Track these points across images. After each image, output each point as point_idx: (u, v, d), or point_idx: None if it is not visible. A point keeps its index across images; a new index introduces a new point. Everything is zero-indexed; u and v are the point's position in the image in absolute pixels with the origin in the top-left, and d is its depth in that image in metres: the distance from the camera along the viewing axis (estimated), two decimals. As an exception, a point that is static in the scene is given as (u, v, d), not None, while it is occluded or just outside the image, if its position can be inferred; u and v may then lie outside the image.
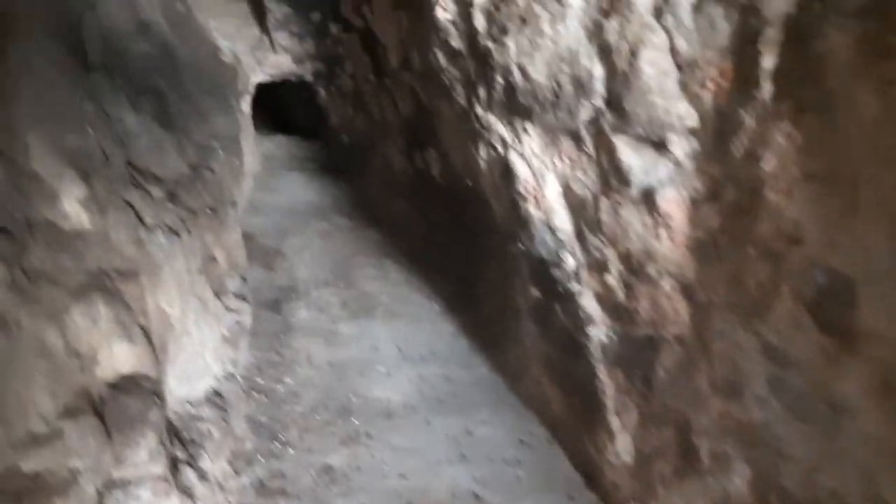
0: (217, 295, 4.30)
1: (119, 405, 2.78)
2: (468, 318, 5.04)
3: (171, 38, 5.94)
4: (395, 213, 7.34)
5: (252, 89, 8.66)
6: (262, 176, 8.84)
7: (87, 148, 3.32)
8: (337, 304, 5.24)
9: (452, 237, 5.67)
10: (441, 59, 3.47)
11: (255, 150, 9.02)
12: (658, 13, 2.31)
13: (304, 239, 6.69)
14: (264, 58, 8.55)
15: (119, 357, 2.93)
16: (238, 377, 3.95)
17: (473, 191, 4.19)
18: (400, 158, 7.54)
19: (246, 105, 8.42)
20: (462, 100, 3.50)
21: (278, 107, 11.99)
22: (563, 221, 3.01)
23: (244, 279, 5.13)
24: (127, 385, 2.91)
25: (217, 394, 3.68)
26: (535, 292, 3.58)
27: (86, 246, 3.04)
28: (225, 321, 4.21)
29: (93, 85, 3.73)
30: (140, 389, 2.96)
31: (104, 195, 3.30)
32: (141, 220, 3.57)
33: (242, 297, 4.65)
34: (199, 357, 3.71)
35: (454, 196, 5.25)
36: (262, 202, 7.77)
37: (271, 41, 8.33)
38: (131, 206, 3.55)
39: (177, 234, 3.81)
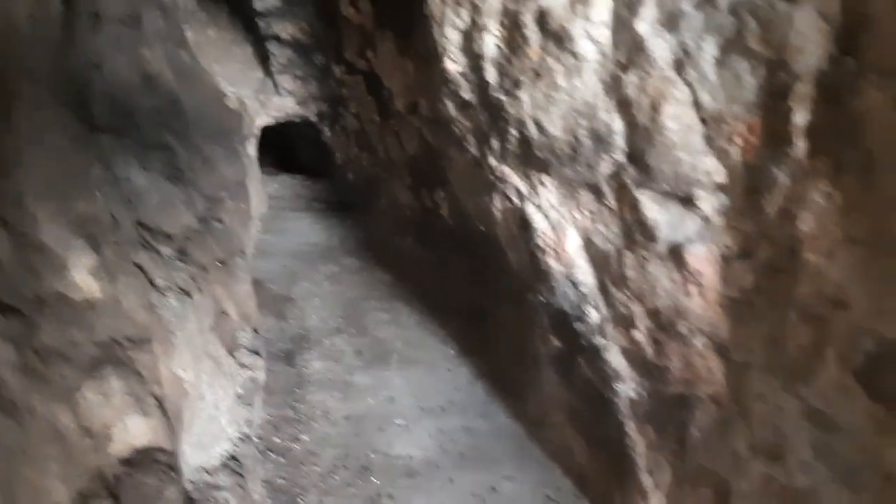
0: (230, 352, 4.22)
1: (135, 485, 2.68)
2: (484, 362, 4.94)
3: (177, 88, 5.94)
4: (404, 252, 7.27)
5: (257, 132, 8.65)
6: (269, 217, 8.79)
7: (95, 213, 3.26)
8: (351, 353, 5.14)
9: (464, 278, 5.59)
10: (451, 109, 3.42)
11: (261, 191, 9.00)
12: (679, 67, 2.25)
13: (314, 283, 6.61)
14: (268, 101, 8.57)
15: (133, 431, 2.83)
16: (253, 438, 3.85)
17: (486, 236, 4.12)
18: (407, 196, 7.50)
19: (252, 148, 8.41)
20: (474, 149, 3.44)
21: (283, 145, 12.01)
22: (585, 275, 2.93)
23: (256, 331, 5.05)
24: (142, 460, 2.81)
25: (233, 458, 3.58)
26: (555, 342, 3.49)
27: (96, 316, 2.96)
28: (239, 379, 4.11)
29: (101, 147, 3.69)
30: (155, 464, 2.86)
31: (114, 260, 3.23)
32: (152, 282, 3.50)
33: (255, 352, 4.57)
34: (214, 421, 3.61)
35: (465, 237, 5.18)
36: (269, 245, 7.72)
37: (275, 84, 8.34)
38: (141, 269, 3.48)
39: (188, 294, 3.74)
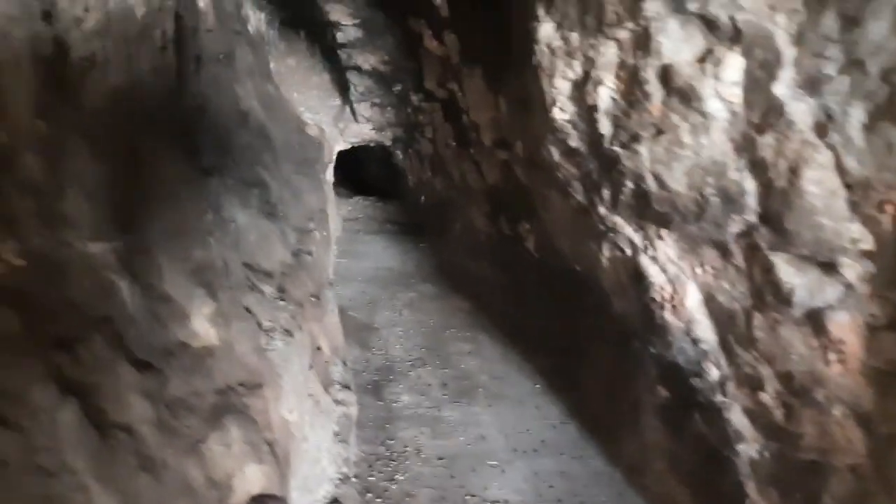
0: (326, 388, 4.28)
1: (255, 534, 2.73)
2: (575, 401, 4.87)
3: (266, 122, 6.11)
4: (480, 279, 7.25)
5: (334, 158, 8.82)
6: (344, 240, 8.94)
7: (210, 260, 3.37)
8: (437, 386, 5.15)
9: (549, 312, 5.54)
10: (556, 155, 3.39)
11: (337, 215, 9.16)
12: (821, 131, 2.16)
13: (394, 311, 6.67)
14: (346, 127, 8.73)
15: (250, 479, 2.89)
16: (352, 478, 3.89)
17: (583, 277, 4.06)
18: (483, 222, 7.49)
19: (330, 174, 8.57)
20: (580, 196, 3.40)
21: (353, 164, 12.19)
22: (705, 331, 2.85)
23: (345, 363, 5.12)
24: (258, 508, 2.87)
25: (335, 501, 3.62)
26: (664, 392, 3.41)
27: (214, 362, 3.04)
28: (334, 416, 4.16)
29: (210, 190, 3.81)
30: (271, 512, 2.92)
31: (228, 306, 3.32)
32: (260, 325, 3.58)
33: (347, 386, 4.62)
34: (317, 462, 3.66)
35: (553, 273, 5.13)
36: (346, 270, 7.82)
37: (353, 111, 8.49)
38: (250, 312, 3.57)
39: (290, 334, 3.81)
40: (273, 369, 3.42)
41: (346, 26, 7.15)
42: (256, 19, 7.23)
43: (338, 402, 4.32)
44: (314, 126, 8.21)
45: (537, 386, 5.20)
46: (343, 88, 8.48)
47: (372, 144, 9.40)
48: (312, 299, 4.69)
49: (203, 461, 2.64)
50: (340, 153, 9.37)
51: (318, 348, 4.47)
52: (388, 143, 9.23)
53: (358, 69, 7.67)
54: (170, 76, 3.69)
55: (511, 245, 6.35)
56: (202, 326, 3.04)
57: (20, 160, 2.13)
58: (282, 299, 4.07)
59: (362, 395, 4.92)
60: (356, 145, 9.35)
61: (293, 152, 6.66)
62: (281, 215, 5.10)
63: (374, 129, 8.65)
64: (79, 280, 2.32)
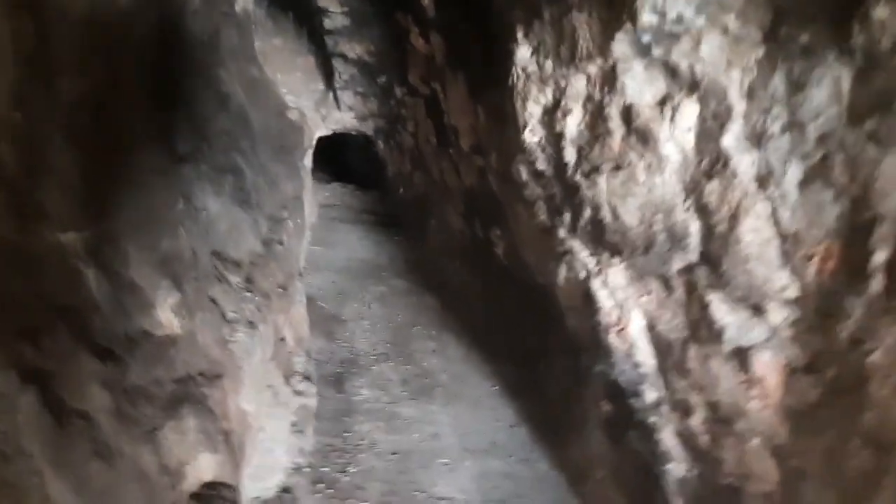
0: (286, 379, 4.39)
1: (202, 521, 2.85)
2: (528, 405, 5.03)
3: (246, 105, 6.12)
4: (452, 277, 7.39)
5: (314, 143, 8.85)
6: (319, 227, 8.98)
7: (178, 250, 3.45)
8: (397, 382, 5.28)
9: (513, 317, 5.69)
10: (524, 174, 3.52)
11: (313, 201, 9.20)
12: (762, 183, 2.31)
13: (363, 304, 6.77)
14: (328, 114, 8.76)
15: (203, 467, 3.00)
16: (305, 468, 4.01)
17: (545, 289, 4.20)
18: (459, 222, 7.61)
19: (308, 160, 8.60)
20: (543, 216, 3.54)
21: (331, 149, 12.21)
22: (645, 356, 3.01)
23: (309, 354, 5.23)
24: (209, 496, 2.98)
25: (286, 490, 3.74)
26: (607, 408, 3.57)
27: (176, 352, 3.14)
28: (293, 406, 4.28)
29: (182, 178, 3.87)
30: (220, 500, 3.03)
31: (193, 296, 3.41)
32: (224, 316, 3.68)
33: (308, 378, 4.73)
34: (271, 452, 3.78)
35: (518, 279, 5.26)
36: (319, 258, 7.89)
37: (336, 98, 8.53)
38: (215, 303, 3.66)
39: (254, 326, 3.91)
40: (234, 361, 3.52)
41: (335, 13, 7.20)
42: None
43: (298, 392, 4.44)
44: (296, 110, 8.22)
45: (495, 388, 5.35)
46: (328, 74, 8.51)
47: (354, 133, 9.44)
48: (280, 290, 4.78)
49: (157, 448, 2.74)
50: (321, 138, 9.39)
51: (282, 339, 4.57)
52: (369, 132, 9.28)
53: (343, 57, 7.72)
54: (152, 63, 3.73)
55: (483, 247, 6.46)
56: (166, 316, 3.12)
57: (-5, 153, 2.20)
58: (248, 290, 4.16)
59: (324, 386, 5.03)
60: (338, 133, 9.38)
61: (272, 138, 6.70)
62: (254, 203, 5.16)
63: (356, 117, 8.70)
64: (47, 270, 2.40)
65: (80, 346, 2.44)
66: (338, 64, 7.83)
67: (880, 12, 1.84)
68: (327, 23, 7.24)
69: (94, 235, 2.68)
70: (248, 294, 4.12)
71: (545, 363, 4.96)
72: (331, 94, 8.72)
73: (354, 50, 7.37)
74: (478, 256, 6.74)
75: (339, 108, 8.55)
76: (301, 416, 4.31)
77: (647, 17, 2.37)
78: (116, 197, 3.04)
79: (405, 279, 7.67)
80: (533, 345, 5.25)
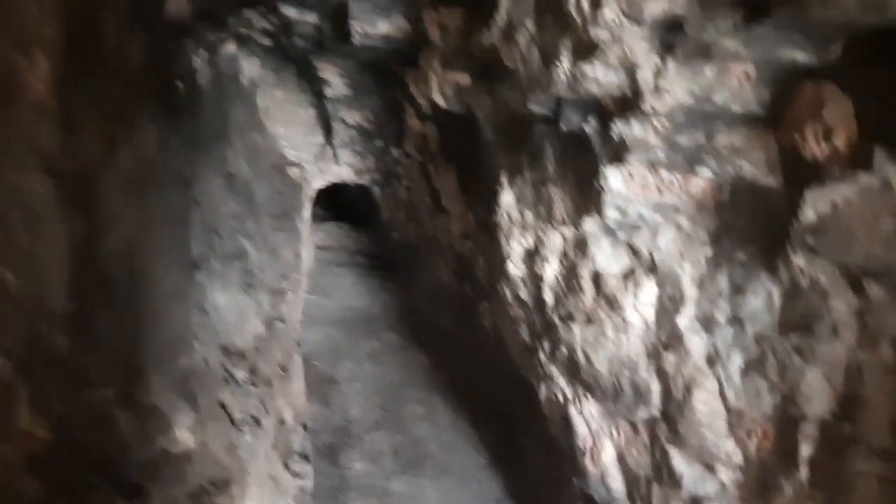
0: (285, 462, 4.72)
1: None
2: (512, 479, 5.37)
3: (251, 180, 6.44)
4: (442, 334, 7.71)
5: (313, 195, 9.17)
6: (315, 272, 9.30)
7: (193, 365, 3.78)
8: (389, 454, 5.61)
9: (500, 385, 6.02)
10: (508, 295, 3.87)
11: (311, 248, 9.51)
12: (711, 363, 2.67)
13: (356, 363, 7.09)
14: (327, 168, 9.07)
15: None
16: (301, 555, 4.33)
17: (528, 386, 4.54)
18: (450, 278, 7.93)
19: (307, 212, 8.92)
20: (526, 336, 3.89)
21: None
22: (617, 484, 3.36)
23: (305, 426, 5.55)
24: None
25: (285, 578, 4.07)
26: (582, 509, 3.93)
27: (191, 466, 3.47)
28: (292, 491, 4.61)
29: (197, 286, 4.19)
30: None
31: (206, 408, 3.74)
32: (232, 420, 4.01)
33: (305, 456, 5.06)
34: (272, 546, 4.11)
35: (505, 354, 5.59)
36: (314, 308, 8.19)
37: (335, 154, 8.84)
38: (224, 408, 3.99)
39: (259, 422, 4.24)
40: (241, 465, 3.85)
41: (335, 83, 7.53)
42: (250, 67, 7.52)
43: (295, 474, 4.77)
44: (295, 167, 8.56)
45: (482, 459, 5.69)
46: (327, 129, 8.83)
47: (351, 184, 9.76)
48: (280, 372, 5.11)
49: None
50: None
51: (282, 421, 4.90)
52: (366, 184, 9.61)
53: (343, 121, 8.04)
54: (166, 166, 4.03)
55: (473, 308, 6.78)
56: (182, 434, 3.45)
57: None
58: (253, 384, 4.48)
59: (318, 460, 5.35)
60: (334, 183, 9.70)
61: (274, 205, 7.02)
62: (258, 283, 5.48)
63: (353, 172, 9.02)
64: (87, 425, 2.73)
65: (115, 496, 2.76)
66: (337, 126, 8.15)
67: (798, 260, 2.20)
68: (328, 91, 7.56)
69: (127, 383, 3.01)
70: (253, 388, 4.44)
71: (530, 437, 5.29)
72: (329, 149, 9.02)
73: (353, 117, 7.70)
74: (467, 317, 7.07)
75: (337, 162, 8.86)
76: (298, 499, 4.64)
77: (611, 213, 2.72)
78: (143, 336, 3.37)
79: (397, 332, 8.00)
80: (519, 415, 5.59)
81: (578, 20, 2.15)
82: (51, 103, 2.33)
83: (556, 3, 2.25)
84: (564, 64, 2.37)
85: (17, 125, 2.17)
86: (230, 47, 6.21)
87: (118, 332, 2.99)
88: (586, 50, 2.22)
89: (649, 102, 2.21)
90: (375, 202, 10.84)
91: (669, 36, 2.07)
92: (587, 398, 3.38)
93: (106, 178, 3.01)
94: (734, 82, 2.18)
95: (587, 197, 2.81)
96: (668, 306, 2.79)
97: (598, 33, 2.11)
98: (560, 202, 3.02)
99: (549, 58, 2.45)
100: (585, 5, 2.08)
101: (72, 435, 2.58)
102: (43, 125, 2.31)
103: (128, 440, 3.01)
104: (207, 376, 3.91)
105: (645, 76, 2.18)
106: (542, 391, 3.84)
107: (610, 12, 2.02)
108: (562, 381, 3.57)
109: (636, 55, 2.15)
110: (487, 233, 4.25)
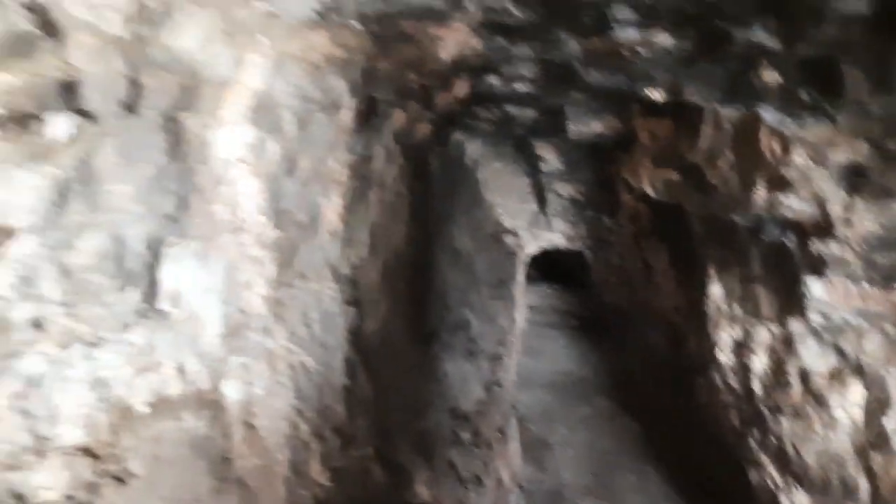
0: (503, 522, 5.12)
1: None
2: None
3: (472, 253, 7.09)
4: (654, 402, 7.68)
5: (527, 261, 9.70)
6: (527, 334, 9.73)
7: (429, 428, 4.36)
8: (599, 523, 5.76)
9: (712, 463, 5.90)
10: (717, 380, 3.96)
11: (523, 310, 10.01)
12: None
13: (569, 428, 7.33)
14: (540, 234, 9.59)
15: None
16: None
17: (739, 468, 4.51)
18: (664, 345, 7.91)
19: (521, 277, 9.46)
20: (736, 421, 3.94)
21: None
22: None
23: (521, 487, 5.92)
24: None
25: None
26: None
27: (424, 522, 4.00)
28: (509, 548, 4.99)
29: (430, 358, 4.81)
30: None
31: (439, 466, 4.28)
32: (459, 478, 4.51)
33: (521, 519, 5.43)
34: None
35: (718, 435, 5.52)
36: (527, 371, 8.58)
37: (548, 222, 9.33)
38: (453, 467, 4.51)
39: (481, 482, 4.70)
40: (467, 523, 4.32)
41: (550, 159, 8.05)
42: (472, 147, 8.30)
43: (512, 535, 5.14)
44: (511, 235, 9.17)
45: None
46: (541, 198, 9.37)
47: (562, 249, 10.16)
48: (498, 435, 5.56)
49: None
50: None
51: (500, 482, 5.32)
52: (578, 249, 9.95)
53: (556, 193, 8.52)
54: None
55: (687, 381, 6.72)
56: (421, 489, 4.01)
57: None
58: (476, 445, 4.98)
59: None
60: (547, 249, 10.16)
61: (491, 274, 7.62)
62: (479, 350, 6.03)
63: (565, 238, 9.43)
64: (345, 478, 3.37)
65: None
66: (551, 197, 8.64)
67: None
68: (543, 166, 8.10)
69: (381, 442, 3.64)
70: (476, 449, 4.93)
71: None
72: (542, 217, 9.54)
73: (567, 190, 8.15)
74: (680, 387, 6.99)
75: (550, 229, 9.34)
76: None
77: (814, 316, 2.81)
78: (392, 402, 4.00)
79: (609, 397, 8.10)
80: (730, 494, 5.44)
81: (772, 160, 2.37)
82: (339, 227, 3.04)
83: (750, 141, 2.49)
84: (760, 192, 2.58)
85: (318, 248, 2.89)
86: (457, 136, 6.97)
87: (375, 400, 3.64)
88: (779, 183, 2.42)
89: (841, 231, 2.35)
90: (586, 265, 11.12)
91: (855, 178, 2.22)
92: (797, 489, 3.36)
93: (367, 274, 3.73)
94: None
95: (791, 299, 2.92)
96: (875, 408, 2.78)
97: (789, 172, 2.32)
98: (766, 300, 3.14)
99: (747, 185, 2.67)
100: (777, 149, 2.31)
101: (343, 485, 3.22)
102: (333, 244, 3.02)
103: (381, 491, 3.61)
104: (439, 437, 4.46)
105: (835, 209, 2.33)
106: (754, 475, 3.84)
107: (798, 157, 2.22)
108: (772, 469, 3.57)
109: (825, 192, 2.31)
110: (697, 316, 4.38)
